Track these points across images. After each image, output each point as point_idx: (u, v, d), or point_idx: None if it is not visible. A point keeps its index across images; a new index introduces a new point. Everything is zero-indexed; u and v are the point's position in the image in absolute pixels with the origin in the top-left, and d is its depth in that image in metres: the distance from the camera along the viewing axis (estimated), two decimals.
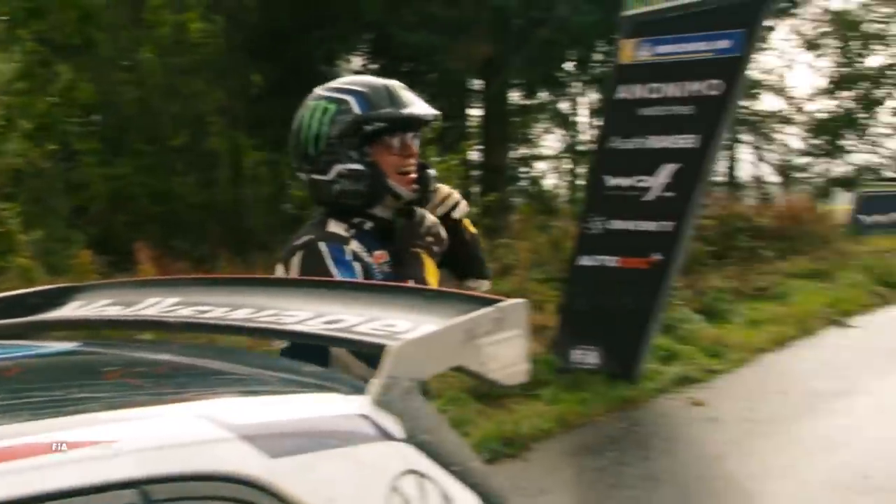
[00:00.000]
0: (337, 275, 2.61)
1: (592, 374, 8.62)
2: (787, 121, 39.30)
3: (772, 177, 38.28)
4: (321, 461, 1.46)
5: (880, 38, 40.21)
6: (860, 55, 40.42)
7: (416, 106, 2.83)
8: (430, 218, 2.89)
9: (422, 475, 1.56)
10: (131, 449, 1.27)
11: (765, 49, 35.68)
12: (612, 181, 8.62)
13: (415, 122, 2.86)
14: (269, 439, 1.40)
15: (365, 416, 1.57)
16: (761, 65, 35.71)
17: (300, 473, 1.41)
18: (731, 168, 35.30)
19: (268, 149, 21.35)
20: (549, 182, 28.42)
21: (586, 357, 8.66)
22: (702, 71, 7.81)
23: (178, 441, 1.33)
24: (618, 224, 8.59)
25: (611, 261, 8.64)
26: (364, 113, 2.73)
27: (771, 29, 31.16)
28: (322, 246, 2.68)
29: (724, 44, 7.67)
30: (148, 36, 20.18)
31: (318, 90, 2.92)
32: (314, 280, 2.44)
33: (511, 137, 24.99)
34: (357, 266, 2.67)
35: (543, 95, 25.94)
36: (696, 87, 7.92)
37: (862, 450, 7.04)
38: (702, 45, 7.78)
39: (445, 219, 2.98)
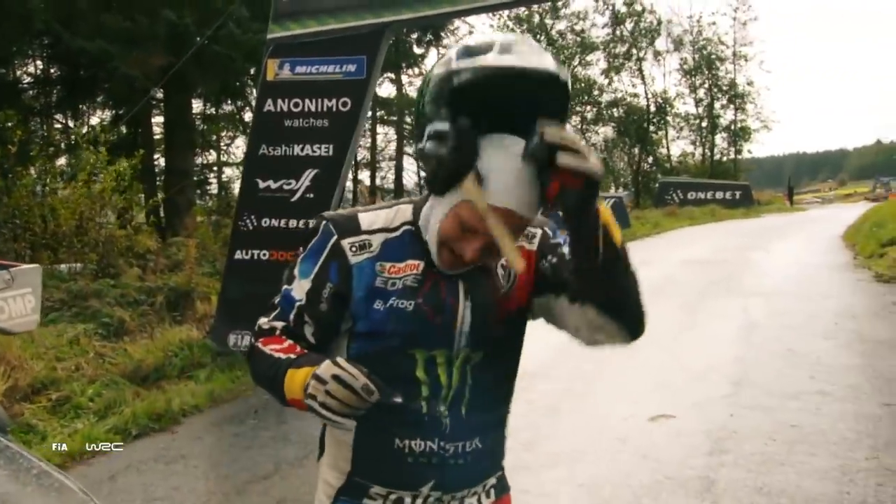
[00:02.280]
0: (298, 262, 2.00)
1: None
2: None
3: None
4: None
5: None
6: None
7: (523, 56, 1.77)
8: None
9: None
10: None
11: (420, 74, 37.56)
12: (263, 184, 8.83)
13: (516, 76, 1.76)
14: None
15: None
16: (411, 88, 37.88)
17: None
18: (398, 175, 36.62)
19: None
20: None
21: (241, 341, 8.75)
22: (334, 89, 8.22)
23: None
24: (268, 222, 8.84)
25: (263, 254, 8.85)
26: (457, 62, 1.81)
27: (420, 57, 32.41)
28: (322, 225, 2.00)
29: (350, 67, 8.08)
30: None
31: None
32: None
33: (196, 144, 24.71)
34: (328, 266, 1.96)
35: (228, 106, 25.93)
36: (329, 103, 8.31)
37: None
38: (333, 68, 8.15)
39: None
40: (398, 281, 1.93)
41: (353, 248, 1.95)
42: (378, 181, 36.77)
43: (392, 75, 34.79)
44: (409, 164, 36.96)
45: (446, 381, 1.96)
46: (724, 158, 54.34)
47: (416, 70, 34.61)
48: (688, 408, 7.47)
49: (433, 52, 34.17)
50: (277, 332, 1.97)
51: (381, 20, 8.12)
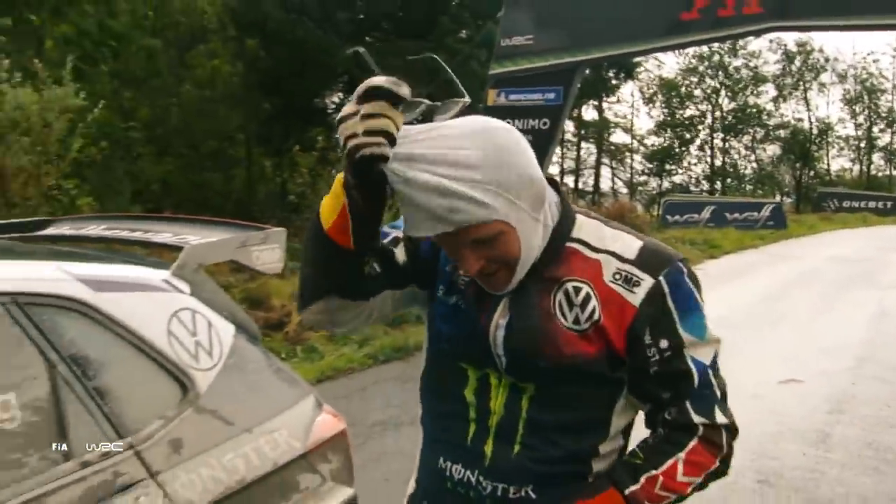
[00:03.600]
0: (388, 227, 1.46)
1: None
2: (632, 150, 40.57)
3: (623, 188, 39.46)
4: (131, 297, 1.90)
5: (690, 97, 42.32)
6: (678, 108, 42.63)
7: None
8: None
9: (194, 312, 2.01)
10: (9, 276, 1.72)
11: (617, 101, 37.20)
12: None
13: None
14: (97, 283, 1.84)
15: (165, 280, 2.04)
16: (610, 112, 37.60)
17: (115, 301, 1.84)
18: (596, 181, 36.21)
19: (272, 156, 21.75)
20: None
21: None
22: (537, 112, 8.23)
23: (40, 276, 1.78)
24: None
25: None
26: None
27: (617, 88, 31.93)
28: None
29: (550, 95, 8.13)
30: (190, 75, 20.30)
31: None
32: (179, 217, 2.78)
33: None
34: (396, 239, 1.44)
35: None
36: (533, 122, 8.29)
37: None
38: (536, 96, 8.14)
39: None
40: (459, 277, 1.40)
41: None
42: (581, 185, 36.67)
43: (595, 101, 34.46)
44: (606, 172, 36.87)
45: (495, 408, 1.37)
46: (880, 174, 50.33)
47: (614, 98, 34.31)
48: (815, 375, 7.00)
49: (629, 83, 33.75)
50: None
51: (575, 59, 8.12)
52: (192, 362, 1.93)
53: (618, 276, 1.32)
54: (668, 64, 43.04)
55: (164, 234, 2.44)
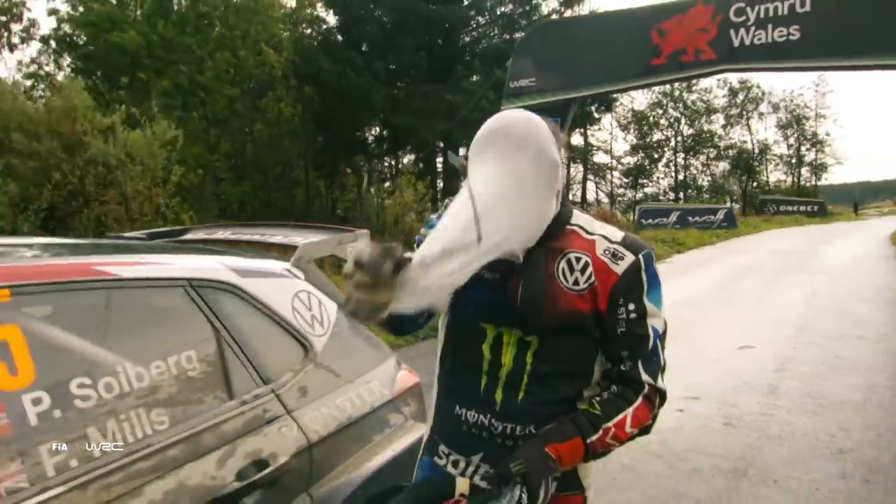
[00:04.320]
0: (425, 230, 1.44)
1: None
2: (611, 168, 40.39)
3: (605, 198, 39.35)
4: (265, 282, 1.97)
5: (657, 125, 42.11)
6: (648, 134, 42.44)
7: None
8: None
9: (309, 293, 2.09)
10: (185, 266, 1.81)
11: (599, 129, 37.13)
12: None
13: None
14: (243, 271, 1.92)
15: (287, 269, 2.12)
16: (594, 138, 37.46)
17: (255, 285, 1.92)
18: (583, 193, 36.09)
19: (325, 178, 21.92)
20: None
21: None
22: None
23: (205, 266, 1.86)
24: None
25: None
26: None
27: (598, 119, 31.81)
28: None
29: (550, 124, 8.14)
30: (261, 116, 20.49)
31: None
32: (285, 223, 2.81)
33: (461, 173, 25.29)
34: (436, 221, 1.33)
35: None
36: None
37: None
38: None
39: None
40: None
41: None
42: (570, 197, 36.65)
43: (581, 130, 34.35)
44: (591, 186, 36.78)
45: (506, 361, 1.36)
46: (808, 185, 49.85)
47: (597, 126, 34.19)
48: (763, 342, 7.01)
49: (608, 115, 33.64)
50: None
51: (569, 96, 8.14)
52: (310, 330, 2.01)
53: (607, 252, 1.36)
54: (639, 99, 42.81)
55: (276, 236, 2.55)
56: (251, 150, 20.02)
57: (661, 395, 1.38)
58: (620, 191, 43.33)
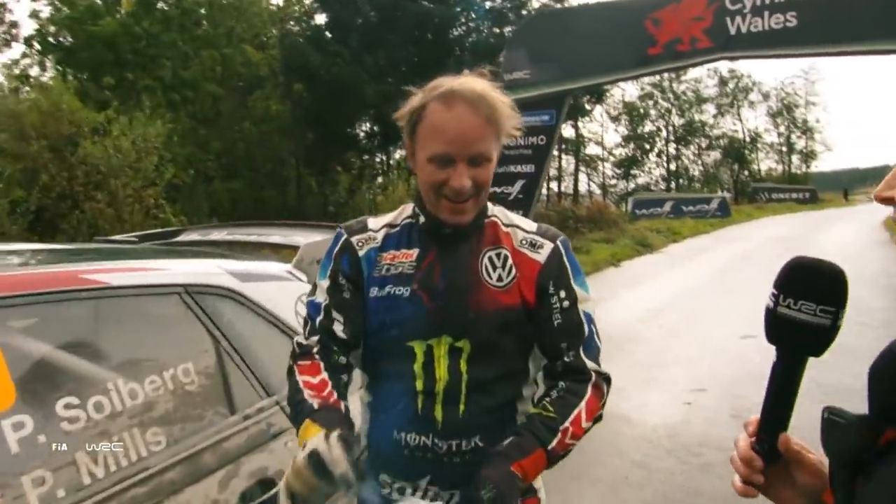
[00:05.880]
0: (319, 270, 1.40)
1: None
2: (603, 159, 40.43)
3: (597, 190, 39.34)
4: (267, 286, 1.87)
5: (648, 115, 42.21)
6: (639, 125, 42.52)
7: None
8: None
9: None
10: (180, 271, 1.71)
11: (590, 120, 37.19)
12: (491, 189, 8.77)
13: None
14: (242, 275, 1.82)
15: (289, 271, 2.03)
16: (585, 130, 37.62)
17: (256, 289, 1.82)
18: (575, 185, 35.99)
19: (316, 175, 21.78)
20: None
21: None
22: (535, 131, 8.02)
23: (202, 271, 1.76)
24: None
25: None
26: None
27: (590, 111, 31.74)
28: (336, 231, 1.41)
29: (545, 117, 7.97)
30: (249, 114, 20.34)
31: None
32: (283, 222, 2.72)
33: None
34: (340, 259, 1.35)
35: None
36: (532, 139, 8.14)
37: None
38: (535, 118, 7.97)
39: None
40: (394, 267, 1.32)
41: (360, 243, 1.36)
42: (563, 188, 36.56)
43: (573, 122, 34.32)
44: (583, 177, 36.76)
45: (440, 374, 1.28)
46: (798, 172, 50.06)
47: (588, 118, 34.09)
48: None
49: (598, 106, 33.57)
50: (315, 350, 1.30)
51: (564, 88, 8.02)
52: None
53: (524, 242, 1.34)
54: (629, 91, 42.71)
55: (274, 236, 2.44)
56: (241, 148, 19.84)
57: (607, 380, 1.33)
58: (612, 181, 43.41)
